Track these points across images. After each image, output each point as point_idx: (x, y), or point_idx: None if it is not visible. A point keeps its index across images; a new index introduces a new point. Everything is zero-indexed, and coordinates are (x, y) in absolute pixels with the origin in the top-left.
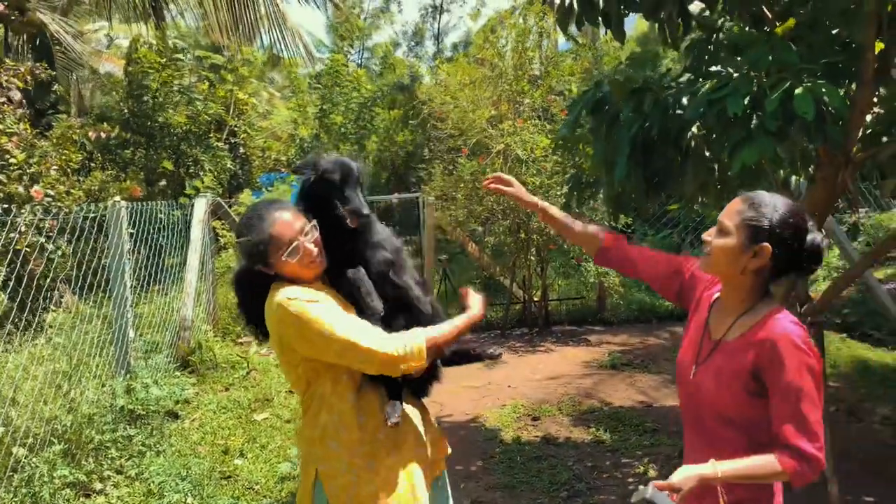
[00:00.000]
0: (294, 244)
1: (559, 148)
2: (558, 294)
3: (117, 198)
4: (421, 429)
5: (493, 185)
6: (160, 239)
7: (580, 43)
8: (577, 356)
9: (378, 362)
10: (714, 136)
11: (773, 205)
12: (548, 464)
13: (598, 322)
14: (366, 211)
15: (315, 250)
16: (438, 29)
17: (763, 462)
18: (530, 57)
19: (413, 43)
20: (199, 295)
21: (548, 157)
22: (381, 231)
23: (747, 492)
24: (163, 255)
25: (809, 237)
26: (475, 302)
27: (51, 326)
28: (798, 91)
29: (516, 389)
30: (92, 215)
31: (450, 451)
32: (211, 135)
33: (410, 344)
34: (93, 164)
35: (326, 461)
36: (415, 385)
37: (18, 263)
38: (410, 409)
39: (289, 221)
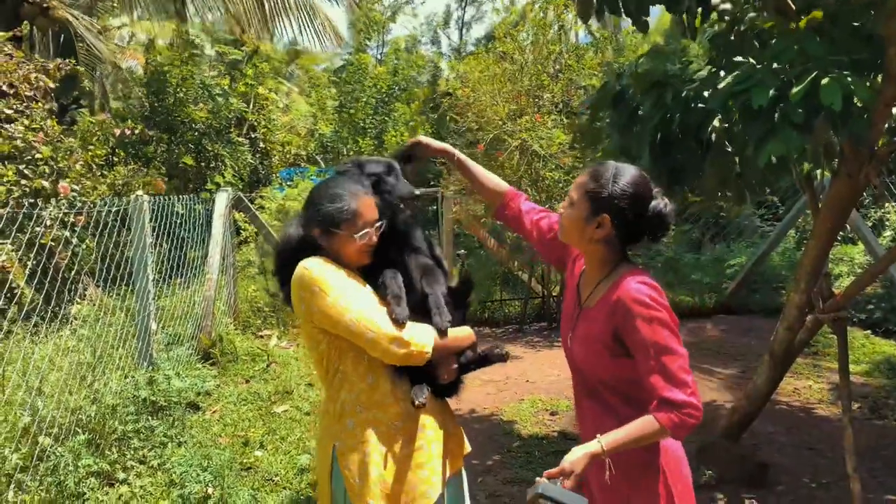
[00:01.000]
0: (366, 230)
1: (578, 141)
2: None
3: (140, 192)
4: (441, 424)
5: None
6: (182, 233)
7: (601, 36)
8: None
9: (386, 341)
10: (737, 129)
11: (614, 175)
12: None
13: None
14: (417, 192)
15: (375, 241)
16: (462, 21)
17: (642, 424)
18: (551, 50)
19: (432, 37)
20: (220, 288)
21: (566, 153)
22: (421, 238)
23: (635, 457)
24: (185, 249)
25: (652, 204)
26: (465, 331)
27: (75, 318)
28: (824, 81)
29: (534, 384)
30: (115, 209)
31: (469, 449)
32: (231, 130)
33: (420, 334)
34: (115, 160)
35: (343, 438)
36: (443, 386)
37: (45, 257)
38: (434, 404)
39: (372, 207)
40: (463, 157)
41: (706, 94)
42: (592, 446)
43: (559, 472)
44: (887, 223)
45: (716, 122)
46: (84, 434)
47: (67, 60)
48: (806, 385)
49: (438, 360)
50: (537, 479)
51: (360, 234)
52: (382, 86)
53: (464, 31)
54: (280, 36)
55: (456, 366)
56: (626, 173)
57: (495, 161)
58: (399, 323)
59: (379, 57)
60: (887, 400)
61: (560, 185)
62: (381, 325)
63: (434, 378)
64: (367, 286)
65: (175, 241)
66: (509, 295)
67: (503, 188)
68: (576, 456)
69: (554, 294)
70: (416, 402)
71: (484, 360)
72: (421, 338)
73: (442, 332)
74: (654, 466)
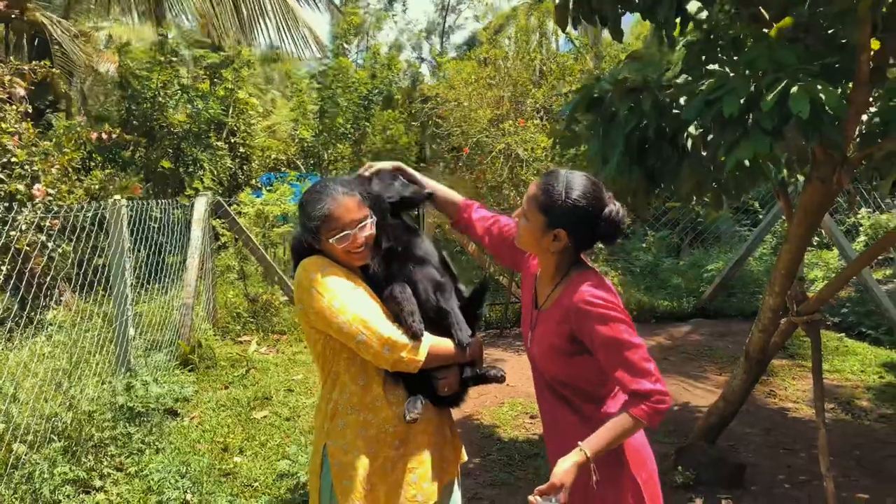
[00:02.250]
0: (345, 232)
1: (556, 146)
2: None
3: (117, 196)
4: (436, 430)
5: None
6: (160, 238)
7: (581, 44)
8: None
9: (377, 344)
10: (711, 135)
11: (565, 187)
12: (545, 461)
13: None
14: (427, 190)
15: (363, 242)
16: (443, 28)
17: (618, 422)
18: (533, 56)
19: (413, 44)
20: (199, 293)
21: (548, 157)
22: (425, 244)
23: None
24: (163, 254)
25: (606, 210)
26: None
27: (51, 324)
28: (794, 90)
29: (514, 388)
30: (92, 213)
31: (466, 458)
32: (211, 134)
33: (415, 340)
34: (92, 164)
35: (334, 437)
36: (444, 397)
37: (20, 261)
38: (432, 410)
39: (350, 208)
40: (413, 171)
41: (682, 101)
42: (576, 456)
43: (550, 487)
44: (860, 229)
45: (692, 129)
46: (60, 441)
47: (42, 63)
48: (782, 386)
49: (441, 371)
50: (530, 498)
51: (338, 237)
52: (363, 90)
53: (444, 39)
54: (259, 42)
55: (453, 378)
56: (578, 184)
57: (478, 165)
58: (417, 338)
59: (361, 62)
60: (859, 401)
61: None
62: (374, 327)
63: (435, 388)
64: (366, 289)
65: (154, 246)
66: (490, 299)
67: (458, 200)
68: (563, 468)
69: None
70: (408, 418)
71: (481, 379)
72: (415, 342)
73: (462, 347)
74: (618, 459)
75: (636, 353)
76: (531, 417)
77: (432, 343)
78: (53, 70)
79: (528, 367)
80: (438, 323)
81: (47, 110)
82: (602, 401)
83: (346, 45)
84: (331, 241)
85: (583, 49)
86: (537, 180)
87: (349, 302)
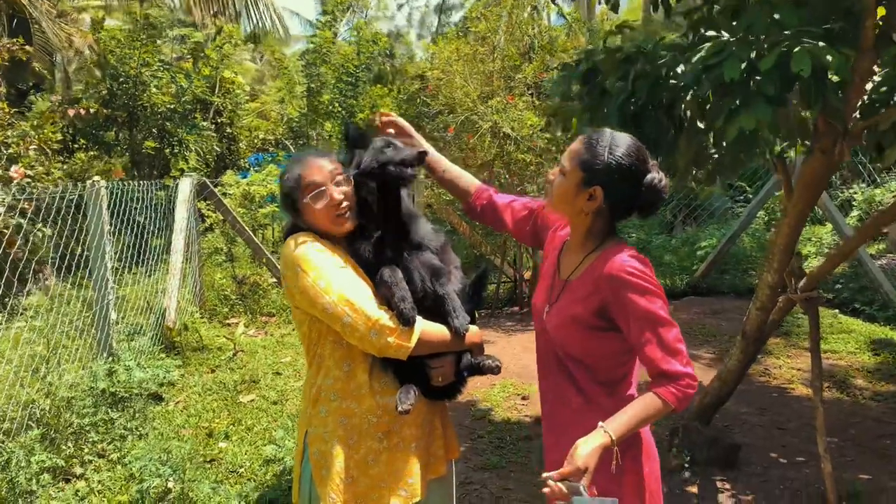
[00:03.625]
0: (321, 188)
1: (550, 122)
2: None
3: (96, 177)
4: (426, 422)
5: (385, 121)
6: (144, 220)
7: (575, 18)
8: None
9: (363, 327)
10: (709, 104)
11: (610, 145)
12: (537, 444)
13: None
14: (423, 149)
15: (342, 200)
16: (441, 6)
17: (645, 403)
18: (524, 31)
19: (408, 19)
20: (185, 276)
21: (537, 135)
22: (423, 227)
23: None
24: (147, 236)
25: (648, 177)
26: (474, 330)
27: (26, 309)
28: (796, 50)
29: (506, 369)
30: (70, 195)
31: (458, 454)
32: (196, 114)
33: (405, 325)
34: (76, 146)
35: (315, 425)
36: (439, 387)
37: None
38: (422, 401)
39: (321, 166)
40: (434, 151)
41: (679, 69)
42: (600, 438)
43: (573, 472)
44: (854, 204)
45: (689, 98)
46: (38, 428)
47: (14, 41)
48: (777, 365)
49: (435, 359)
50: (551, 483)
51: (313, 194)
52: (350, 67)
53: (442, 16)
54: (244, 18)
55: (448, 367)
56: (623, 143)
57: (466, 144)
58: (408, 323)
59: (351, 40)
60: (855, 379)
61: (532, 167)
62: (361, 309)
63: (428, 378)
64: (357, 269)
65: (136, 228)
66: (471, 267)
67: (475, 184)
68: (586, 451)
69: (526, 278)
70: (399, 409)
71: (476, 370)
72: (404, 329)
73: (459, 334)
74: (625, 447)
75: (670, 331)
76: (523, 399)
77: (424, 328)
78: (26, 48)
79: (519, 349)
80: (436, 310)
81: (31, 91)
82: (612, 386)
83: (334, 21)
84: (306, 201)
85: (575, 24)
86: (580, 137)
87: (335, 281)
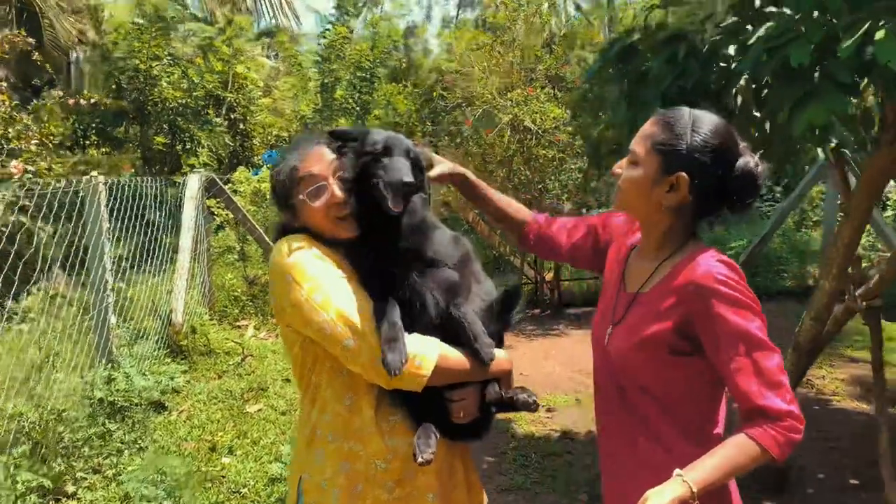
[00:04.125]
0: (321, 182)
1: (577, 114)
2: (572, 273)
3: (94, 173)
4: (445, 468)
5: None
6: (153, 217)
7: (596, 6)
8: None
9: (368, 352)
10: (769, 91)
11: (692, 123)
12: (564, 461)
13: None
14: (407, 179)
15: (346, 198)
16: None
17: (735, 448)
18: (545, 20)
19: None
20: (193, 276)
21: (560, 128)
22: (439, 238)
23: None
24: (153, 235)
25: (741, 161)
26: (501, 355)
27: (14, 314)
28: (879, 35)
29: (528, 378)
30: (63, 190)
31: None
32: (209, 110)
33: (421, 349)
34: (87, 142)
35: (311, 471)
36: (461, 426)
37: None
38: (443, 442)
39: (321, 155)
40: (476, 179)
41: (731, 50)
42: (678, 489)
43: None
44: (888, 202)
45: (742, 83)
46: (26, 444)
47: (17, 33)
48: (818, 375)
49: (455, 391)
50: None
51: (313, 189)
52: (365, 62)
53: (461, 11)
54: (259, 14)
55: (472, 399)
56: (708, 120)
57: (484, 139)
58: (391, 373)
59: (366, 34)
60: None
61: (554, 163)
62: (366, 330)
63: (447, 414)
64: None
65: (144, 226)
66: (501, 281)
67: (525, 213)
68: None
69: (548, 279)
70: (419, 459)
71: (506, 405)
72: (419, 354)
73: (482, 363)
74: (719, 500)
75: (770, 358)
76: (548, 411)
77: (442, 353)
78: (29, 40)
79: (542, 355)
80: (454, 336)
81: (44, 88)
82: (694, 425)
83: (348, 16)
84: (302, 197)
85: (594, 12)
86: (654, 117)
87: (335, 295)
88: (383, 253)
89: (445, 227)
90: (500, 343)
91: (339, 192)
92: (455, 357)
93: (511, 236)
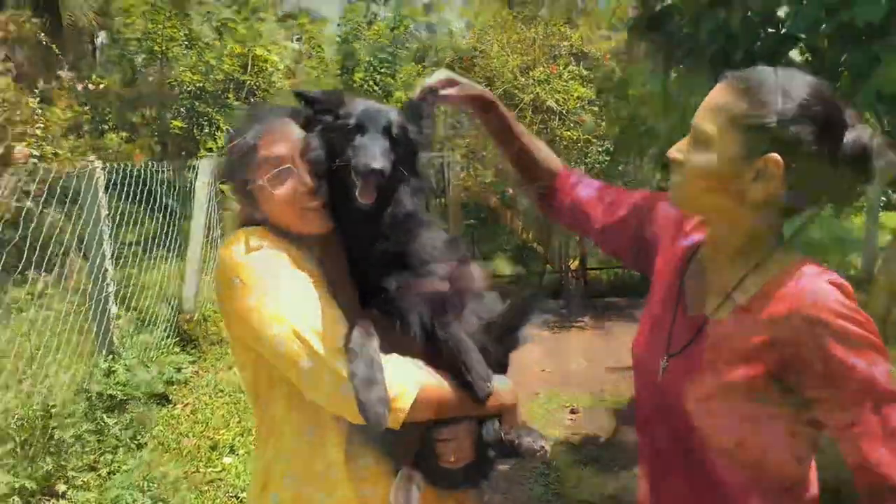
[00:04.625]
0: (285, 166)
1: (604, 90)
2: (599, 261)
3: (91, 157)
4: None
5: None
6: (163, 202)
7: None
8: (621, 333)
9: (331, 380)
10: (828, 56)
11: (782, 88)
12: (590, 470)
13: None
14: (378, 165)
15: (313, 185)
16: None
17: None
18: None
19: None
20: (205, 263)
21: (585, 108)
22: (429, 240)
23: None
24: (165, 220)
25: (851, 134)
26: (503, 385)
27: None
28: None
29: (550, 375)
30: (55, 175)
31: None
32: (229, 94)
33: (395, 378)
34: (105, 127)
35: None
36: (454, 472)
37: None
38: (430, 492)
39: (286, 132)
40: (506, 110)
41: (782, 11)
42: None
43: None
44: None
45: (794, 53)
46: (17, 440)
47: (21, 12)
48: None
49: (443, 428)
50: None
51: (272, 174)
52: (384, 41)
53: None
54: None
55: (464, 438)
56: (802, 81)
57: None
58: (377, 427)
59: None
60: None
61: (579, 145)
62: (331, 350)
63: (435, 456)
64: (326, 286)
65: (152, 212)
66: (523, 269)
67: (556, 164)
68: None
69: (573, 268)
70: None
71: (508, 449)
72: (396, 383)
73: (480, 399)
74: None
75: None
76: (572, 412)
77: (425, 383)
78: (34, 20)
79: (564, 350)
80: (444, 363)
81: (68, 74)
82: (784, 491)
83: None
84: (261, 182)
85: None
86: (723, 82)
87: (292, 305)
88: (358, 255)
89: (441, 227)
90: (502, 369)
91: (307, 178)
92: (440, 388)
93: (532, 193)
